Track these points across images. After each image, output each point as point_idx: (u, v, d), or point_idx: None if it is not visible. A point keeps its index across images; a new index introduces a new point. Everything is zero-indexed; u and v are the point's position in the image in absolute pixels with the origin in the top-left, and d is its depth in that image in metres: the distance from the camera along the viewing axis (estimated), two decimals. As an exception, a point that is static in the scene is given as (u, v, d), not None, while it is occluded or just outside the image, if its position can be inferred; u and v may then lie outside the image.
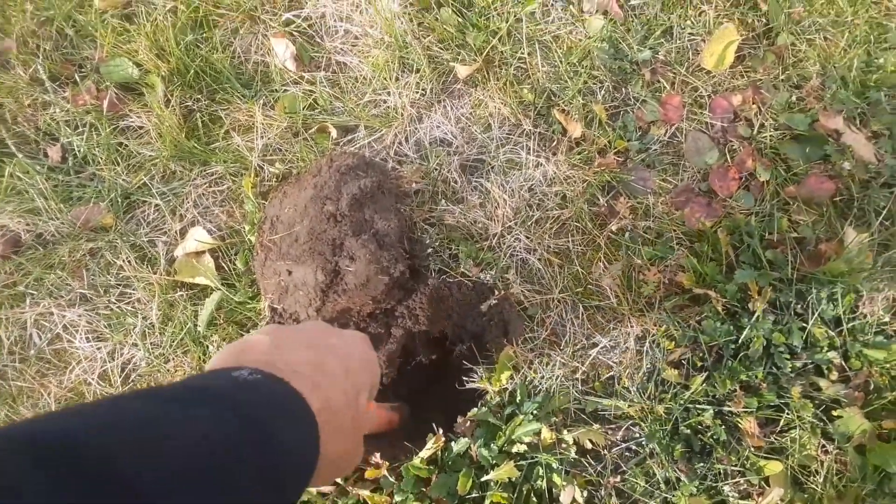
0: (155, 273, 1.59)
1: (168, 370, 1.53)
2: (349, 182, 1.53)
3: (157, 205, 1.65)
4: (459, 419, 1.48)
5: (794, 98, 1.76)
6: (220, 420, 0.54)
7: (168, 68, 1.71)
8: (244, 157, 1.67)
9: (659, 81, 1.78)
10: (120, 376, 1.52)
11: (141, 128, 1.73)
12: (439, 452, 1.43)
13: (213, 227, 1.64)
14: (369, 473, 1.39)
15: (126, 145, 1.71)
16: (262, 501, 0.53)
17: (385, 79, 1.74)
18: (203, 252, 1.60)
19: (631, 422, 1.49)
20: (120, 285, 1.58)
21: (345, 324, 1.49)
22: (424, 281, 1.55)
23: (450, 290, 1.56)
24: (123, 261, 1.59)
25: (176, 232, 1.63)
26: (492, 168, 1.68)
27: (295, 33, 1.81)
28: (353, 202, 1.49)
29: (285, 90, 1.75)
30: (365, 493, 1.38)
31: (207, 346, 1.53)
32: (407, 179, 1.63)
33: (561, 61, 1.77)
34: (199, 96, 1.73)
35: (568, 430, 1.46)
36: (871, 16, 1.87)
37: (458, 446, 1.42)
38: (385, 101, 1.73)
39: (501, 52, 1.77)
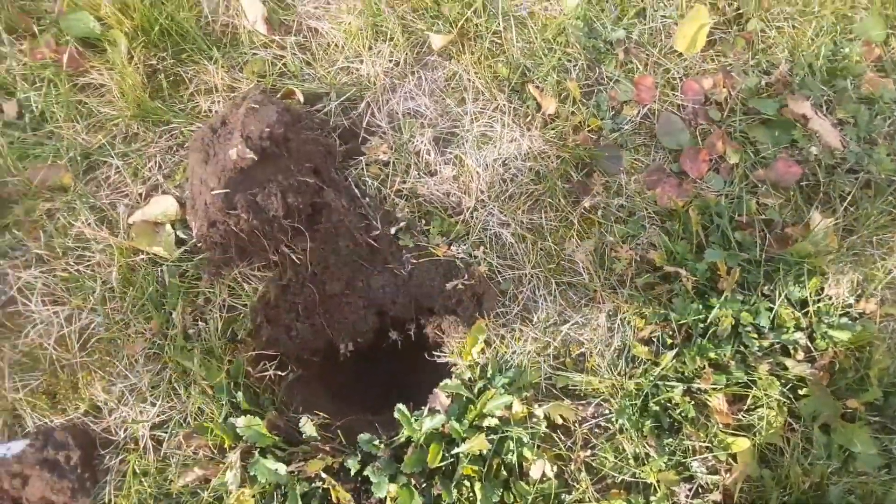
0: (115, 236, 1.52)
1: (129, 336, 1.46)
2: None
3: (117, 166, 1.57)
4: (433, 392, 1.46)
5: (762, 83, 1.78)
6: None
7: (132, 25, 1.63)
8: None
9: (632, 62, 1.78)
10: (78, 342, 1.44)
11: (102, 86, 1.64)
12: (410, 431, 1.41)
13: (178, 192, 1.58)
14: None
15: (86, 103, 1.62)
16: None
17: (358, 46, 1.69)
18: (164, 223, 1.53)
19: (601, 398, 1.50)
20: (78, 248, 1.51)
21: None
22: (400, 261, 1.54)
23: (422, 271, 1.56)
24: (82, 222, 1.51)
25: (138, 195, 1.56)
26: (465, 141, 1.66)
27: (266, -5, 1.75)
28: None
29: (255, 54, 1.69)
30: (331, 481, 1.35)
31: (170, 313, 1.47)
32: (374, 150, 1.60)
33: (536, 37, 1.75)
34: (164, 55, 1.66)
35: (539, 405, 1.46)
36: (836, 7, 1.91)
37: (432, 421, 1.39)
38: (357, 69, 1.69)
39: (476, 24, 1.74)
